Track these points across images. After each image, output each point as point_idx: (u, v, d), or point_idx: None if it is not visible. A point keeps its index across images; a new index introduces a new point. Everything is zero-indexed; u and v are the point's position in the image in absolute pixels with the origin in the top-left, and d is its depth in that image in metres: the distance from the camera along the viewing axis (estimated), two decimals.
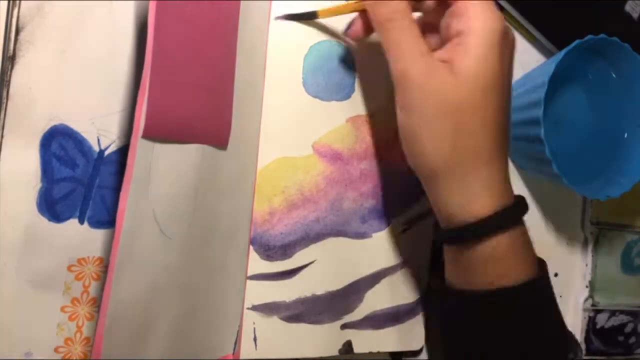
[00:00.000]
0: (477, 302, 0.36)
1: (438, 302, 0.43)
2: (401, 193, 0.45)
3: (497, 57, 0.34)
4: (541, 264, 0.37)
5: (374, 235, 0.44)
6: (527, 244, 0.36)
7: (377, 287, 0.44)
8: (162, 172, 0.33)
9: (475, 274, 0.35)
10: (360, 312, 0.44)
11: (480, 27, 0.34)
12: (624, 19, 0.53)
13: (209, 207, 0.37)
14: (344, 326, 0.43)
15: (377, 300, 0.44)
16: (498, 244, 0.34)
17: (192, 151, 0.35)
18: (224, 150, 0.37)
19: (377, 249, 0.44)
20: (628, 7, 0.53)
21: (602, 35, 0.44)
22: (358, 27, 0.39)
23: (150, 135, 0.32)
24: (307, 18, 0.41)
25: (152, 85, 0.32)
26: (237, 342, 0.40)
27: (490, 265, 0.35)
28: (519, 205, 0.36)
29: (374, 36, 0.43)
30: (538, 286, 0.36)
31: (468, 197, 0.34)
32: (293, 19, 0.41)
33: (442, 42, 0.36)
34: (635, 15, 0.53)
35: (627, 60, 0.47)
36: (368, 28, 0.39)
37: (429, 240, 0.47)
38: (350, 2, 0.39)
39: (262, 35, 0.40)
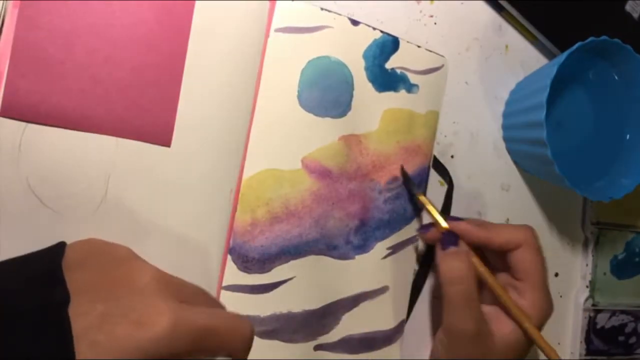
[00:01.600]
0: None
1: None
2: (388, 218, 0.44)
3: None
4: None
5: (356, 257, 0.43)
6: None
7: (355, 310, 0.43)
8: (43, 153, 0.35)
9: None
10: (335, 334, 0.43)
11: (531, 314, 0.41)
12: (624, 19, 0.53)
13: (131, 198, 0.37)
14: (318, 347, 0.42)
15: (353, 323, 0.43)
16: None
17: (97, 142, 0.36)
18: (168, 148, 0.37)
19: (359, 271, 0.43)
20: (628, 7, 0.53)
21: (603, 37, 0.44)
22: (433, 236, 0.44)
23: (10, 115, 0.34)
24: (409, 190, 0.46)
25: (11, 68, 0.34)
26: None
27: None
28: None
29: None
30: None
31: None
32: (405, 177, 0.45)
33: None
34: (635, 15, 0.53)
35: (628, 62, 0.47)
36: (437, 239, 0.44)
37: (411, 268, 0.46)
38: (437, 214, 0.44)
39: (257, 45, 0.40)
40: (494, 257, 0.45)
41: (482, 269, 0.42)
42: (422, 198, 0.45)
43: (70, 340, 0.25)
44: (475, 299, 0.41)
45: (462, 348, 0.41)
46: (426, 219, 0.47)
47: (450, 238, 0.42)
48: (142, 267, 0.29)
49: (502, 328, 0.41)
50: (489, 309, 0.43)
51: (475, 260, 0.42)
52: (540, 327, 0.42)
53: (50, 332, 0.25)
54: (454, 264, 0.41)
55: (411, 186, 0.45)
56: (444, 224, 0.43)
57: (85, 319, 0.26)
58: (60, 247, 0.30)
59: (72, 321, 0.25)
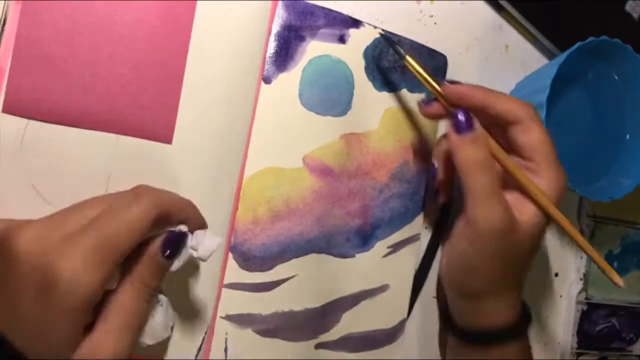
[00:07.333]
0: None
1: None
2: (389, 217, 0.44)
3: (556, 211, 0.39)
4: None
5: (357, 255, 0.43)
6: (529, 350, 0.43)
7: (356, 309, 0.43)
8: (45, 150, 0.35)
9: None
10: (336, 332, 0.43)
11: (549, 190, 0.39)
12: (624, 19, 0.54)
13: None
14: (319, 346, 0.42)
15: (354, 322, 0.43)
16: (509, 349, 0.41)
17: (98, 139, 0.36)
18: (169, 145, 0.38)
19: (359, 270, 0.43)
20: (628, 7, 0.53)
21: (603, 37, 0.44)
22: (436, 110, 0.41)
23: (13, 112, 0.34)
24: (395, 51, 0.42)
25: (13, 65, 0.34)
26: (200, 349, 0.39)
27: None
28: (526, 318, 0.42)
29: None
30: None
31: (497, 313, 0.41)
32: (387, 40, 0.42)
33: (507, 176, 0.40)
34: (635, 15, 0.53)
35: (628, 62, 0.47)
36: (441, 116, 0.41)
37: (412, 267, 0.46)
38: (435, 84, 0.40)
39: (259, 43, 0.40)
40: (493, 133, 0.41)
41: (496, 149, 0.39)
42: (410, 59, 0.40)
43: None
44: (499, 188, 0.38)
45: (490, 243, 0.38)
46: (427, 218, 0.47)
47: (465, 120, 0.38)
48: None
49: (524, 213, 0.39)
50: (507, 195, 0.39)
51: (490, 141, 0.39)
52: (558, 206, 0.39)
53: None
54: (474, 152, 0.38)
55: (397, 49, 0.41)
56: (438, 88, 0.40)
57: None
58: None
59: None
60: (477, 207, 0.38)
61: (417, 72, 0.40)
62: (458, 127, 0.38)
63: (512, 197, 0.39)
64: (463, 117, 0.38)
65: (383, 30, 0.43)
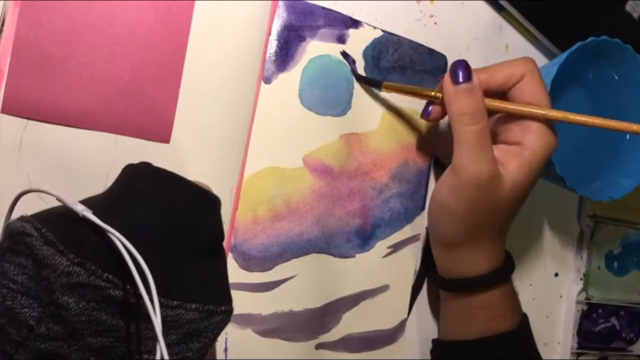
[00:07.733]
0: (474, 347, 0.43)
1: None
2: (389, 217, 0.44)
3: (540, 171, 0.40)
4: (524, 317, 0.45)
5: (357, 255, 0.43)
6: (512, 296, 0.44)
7: (356, 309, 0.43)
8: (44, 150, 0.35)
9: (472, 318, 0.43)
10: (336, 333, 0.43)
11: (537, 147, 0.39)
12: (624, 19, 0.53)
13: None
14: (319, 346, 0.42)
15: (354, 322, 0.43)
16: (492, 293, 0.42)
17: (97, 139, 0.36)
18: (167, 144, 0.38)
19: (359, 270, 0.43)
20: (628, 7, 0.53)
21: (603, 37, 0.44)
22: (437, 111, 0.42)
23: (12, 112, 0.34)
24: (372, 85, 0.43)
25: (12, 66, 0.34)
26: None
27: (485, 310, 0.42)
28: (508, 267, 0.43)
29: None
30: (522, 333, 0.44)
31: (475, 261, 0.42)
32: (359, 79, 0.43)
33: (494, 132, 0.42)
34: (635, 15, 0.53)
35: (628, 62, 0.47)
36: (444, 113, 0.41)
37: (412, 267, 0.46)
38: (416, 87, 0.42)
39: (259, 43, 0.40)
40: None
41: (492, 99, 0.39)
42: (388, 85, 0.42)
43: None
44: (487, 139, 0.38)
45: (473, 192, 0.38)
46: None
47: (463, 72, 0.38)
48: None
49: (507, 167, 0.39)
50: (495, 151, 0.40)
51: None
52: (543, 161, 0.40)
53: None
54: (467, 103, 0.38)
55: (370, 81, 0.43)
56: (431, 92, 0.40)
57: None
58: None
59: None
60: (464, 155, 0.38)
61: (402, 90, 0.42)
62: (456, 79, 0.38)
63: (498, 151, 0.40)
64: (462, 69, 0.38)
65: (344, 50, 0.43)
